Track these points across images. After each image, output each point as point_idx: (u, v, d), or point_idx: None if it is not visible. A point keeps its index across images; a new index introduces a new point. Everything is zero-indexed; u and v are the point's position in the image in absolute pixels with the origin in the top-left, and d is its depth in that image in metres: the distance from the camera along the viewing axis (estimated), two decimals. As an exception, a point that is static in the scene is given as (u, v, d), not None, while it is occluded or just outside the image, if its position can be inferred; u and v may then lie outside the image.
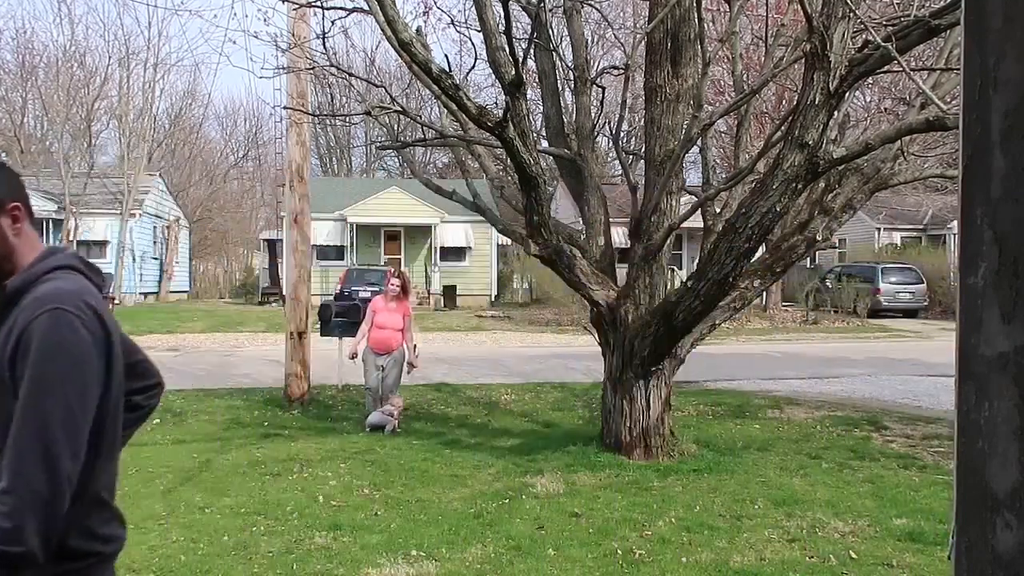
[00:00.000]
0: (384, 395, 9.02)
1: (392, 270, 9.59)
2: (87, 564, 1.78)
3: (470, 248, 33.15)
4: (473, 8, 7.77)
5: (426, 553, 5.10)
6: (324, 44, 7.91)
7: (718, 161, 19.35)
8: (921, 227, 33.54)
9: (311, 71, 10.81)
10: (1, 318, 1.75)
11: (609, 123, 9.56)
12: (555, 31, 11.80)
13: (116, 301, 20.72)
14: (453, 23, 9.44)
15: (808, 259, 25.07)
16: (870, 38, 5.57)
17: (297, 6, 9.14)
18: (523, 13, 9.45)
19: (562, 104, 9.29)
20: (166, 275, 35.81)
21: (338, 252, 32.70)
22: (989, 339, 0.94)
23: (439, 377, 13.38)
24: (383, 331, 9.04)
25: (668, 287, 7.97)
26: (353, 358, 9.23)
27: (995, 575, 0.93)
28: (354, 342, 9.28)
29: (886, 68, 6.38)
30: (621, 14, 25.07)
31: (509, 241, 22.77)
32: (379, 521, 5.79)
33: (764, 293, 14.53)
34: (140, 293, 32.79)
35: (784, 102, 19.36)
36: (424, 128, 8.77)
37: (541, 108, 9.33)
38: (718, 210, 8.23)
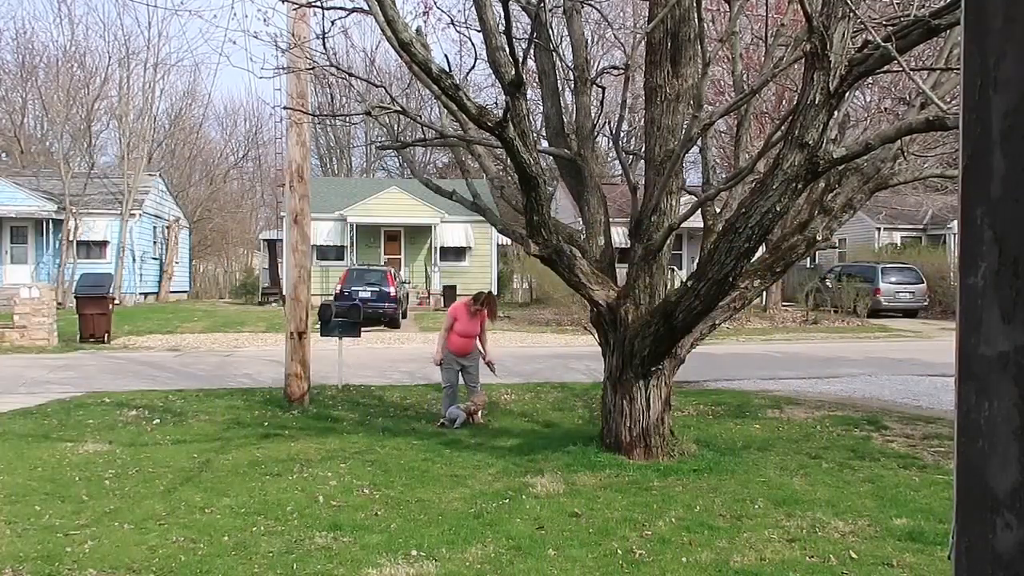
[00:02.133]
0: (469, 386, 9.85)
1: (483, 295, 9.88)
2: None
3: (470, 248, 33.16)
4: (473, 8, 7.77)
5: (426, 553, 5.10)
6: (324, 44, 7.91)
7: (718, 161, 19.36)
8: (921, 227, 33.54)
9: (311, 71, 10.81)
10: None
11: (609, 123, 9.56)
12: (555, 31, 11.79)
13: (116, 301, 20.71)
14: (453, 23, 9.44)
15: (808, 259, 25.09)
16: (870, 38, 5.57)
17: (297, 6, 9.13)
18: (523, 13, 9.45)
19: (562, 104, 9.29)
20: (166, 275, 35.80)
21: (338, 252, 32.71)
22: (989, 339, 0.94)
23: (439, 377, 13.35)
24: (465, 338, 9.70)
25: (668, 287, 7.97)
26: (440, 364, 9.80)
27: (995, 575, 0.92)
28: (437, 349, 9.88)
29: (886, 68, 6.37)
30: (621, 14, 25.09)
31: (509, 241, 22.77)
32: (379, 521, 5.79)
33: (764, 293, 14.53)
34: (140, 293, 32.79)
35: (784, 102, 19.37)
36: (424, 128, 8.77)
37: (541, 108, 9.32)
38: (718, 210, 8.23)
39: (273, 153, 51.07)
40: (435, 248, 32.77)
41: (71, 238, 30.31)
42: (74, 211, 30.18)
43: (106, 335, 18.53)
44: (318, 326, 12.40)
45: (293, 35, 9.83)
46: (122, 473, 7.10)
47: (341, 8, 7.48)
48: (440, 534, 5.47)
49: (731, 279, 6.58)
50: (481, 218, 9.93)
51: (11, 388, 11.92)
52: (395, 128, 15.26)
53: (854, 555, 5.08)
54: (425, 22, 22.20)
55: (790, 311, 27.08)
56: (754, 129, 13.54)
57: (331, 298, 21.29)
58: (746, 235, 6.21)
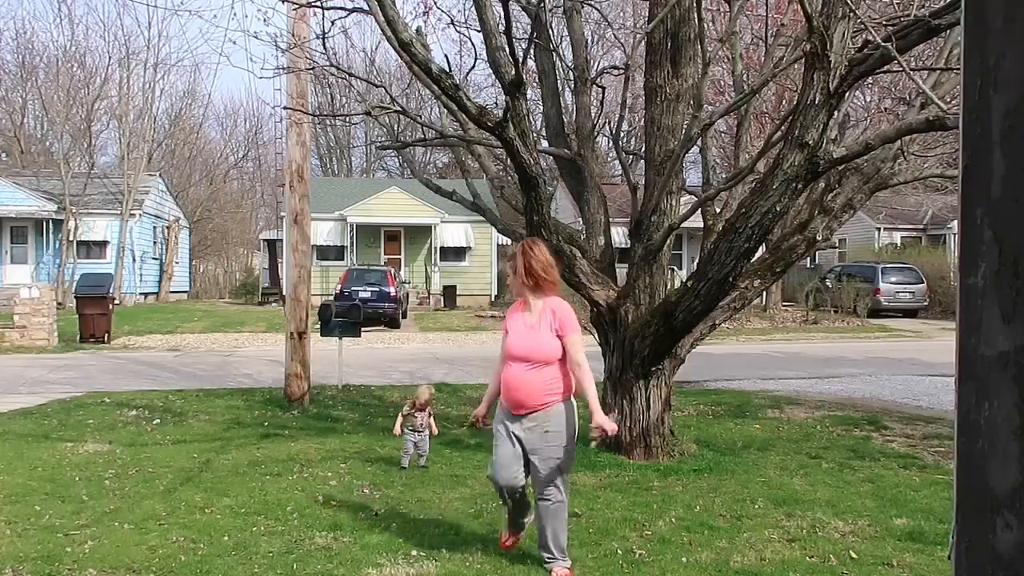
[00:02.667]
0: (538, 492, 5.05)
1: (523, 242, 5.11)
2: None
3: (470, 248, 33.16)
4: (473, 8, 7.77)
5: (426, 553, 5.10)
6: (324, 44, 7.92)
7: (718, 161, 19.36)
8: (921, 227, 33.54)
9: (311, 71, 10.81)
10: None
11: (609, 123, 9.56)
12: (555, 31, 11.80)
13: (116, 301, 20.71)
14: (453, 23, 9.43)
15: (808, 259, 25.09)
16: (870, 38, 5.57)
17: (297, 6, 9.14)
18: (523, 13, 9.45)
19: (562, 104, 9.29)
20: (166, 275, 35.81)
21: (338, 252, 32.72)
22: (989, 339, 0.94)
23: (439, 377, 13.39)
24: (518, 365, 4.83)
25: (668, 287, 7.97)
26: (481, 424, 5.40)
27: (995, 575, 0.92)
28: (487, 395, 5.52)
29: (886, 68, 6.37)
30: (621, 14, 25.08)
31: (509, 241, 22.83)
32: (379, 521, 5.79)
33: (764, 293, 14.53)
34: (140, 293, 32.79)
35: (784, 102, 19.36)
36: (424, 128, 8.77)
37: (541, 108, 9.32)
38: (718, 210, 8.24)
39: (273, 153, 51.12)
40: (435, 248, 32.77)
41: (71, 238, 30.32)
42: (74, 211, 30.18)
43: (106, 335, 18.53)
44: (318, 326, 12.40)
45: (293, 35, 9.83)
46: (122, 473, 7.09)
47: (341, 8, 7.48)
48: (440, 534, 5.47)
49: (731, 279, 6.58)
50: (481, 218, 9.93)
51: (11, 388, 11.92)
52: (395, 128, 15.27)
53: (854, 555, 5.08)
54: (425, 22, 22.22)
55: (790, 311, 27.08)
56: (754, 129, 13.55)
57: (331, 298, 21.29)
58: (746, 235, 6.21)
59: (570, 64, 9.58)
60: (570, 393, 4.74)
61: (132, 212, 31.73)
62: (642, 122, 9.78)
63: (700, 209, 7.71)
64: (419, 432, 7.34)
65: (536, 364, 4.63)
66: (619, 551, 5.15)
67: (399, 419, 7.50)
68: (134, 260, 32.12)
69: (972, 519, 0.96)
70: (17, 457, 7.63)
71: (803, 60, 6.02)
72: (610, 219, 8.84)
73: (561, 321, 4.66)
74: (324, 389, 11.59)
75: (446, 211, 30.73)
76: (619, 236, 16.15)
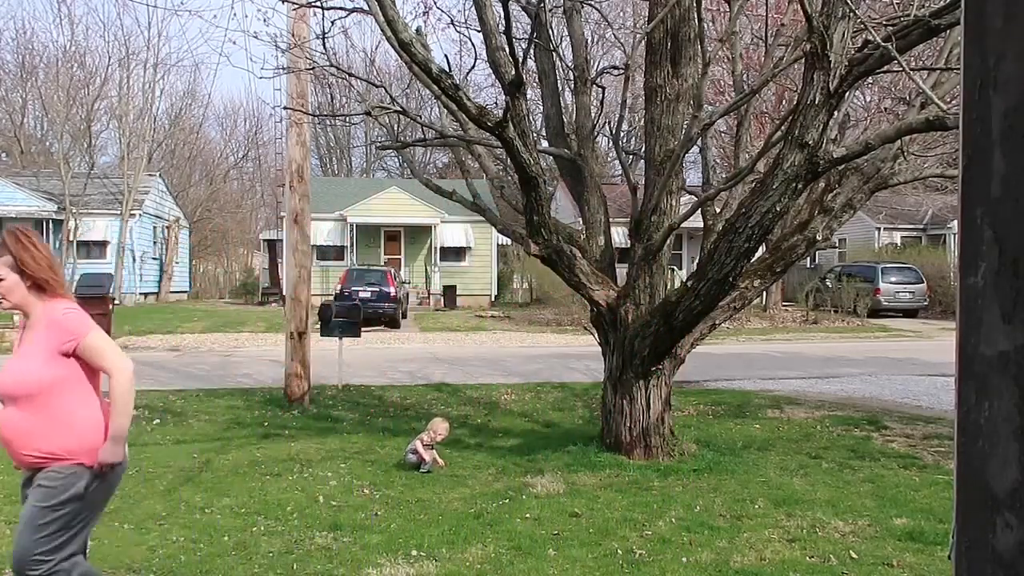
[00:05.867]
0: None
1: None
2: None
3: (470, 248, 33.16)
4: (473, 8, 7.77)
5: (426, 553, 5.10)
6: (324, 44, 7.92)
7: (718, 161, 19.36)
8: (921, 227, 33.55)
9: (311, 71, 10.81)
10: None
11: (609, 123, 9.56)
12: (555, 31, 11.80)
13: (116, 301, 20.70)
14: (453, 23, 9.44)
15: (808, 259, 25.10)
16: (870, 38, 5.57)
17: (297, 6, 9.14)
18: (523, 13, 9.45)
19: (562, 104, 9.29)
20: (166, 275, 35.81)
21: (338, 252, 32.72)
22: (989, 339, 0.94)
23: (439, 377, 13.38)
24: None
25: (668, 287, 7.97)
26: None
27: (995, 575, 0.93)
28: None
29: (886, 68, 6.37)
30: (621, 14, 25.07)
31: (509, 241, 22.80)
32: (379, 521, 5.79)
33: (764, 293, 14.53)
34: (140, 293, 32.79)
35: (784, 102, 19.36)
36: (424, 128, 8.77)
37: (541, 108, 9.32)
38: (718, 210, 8.23)
39: (273, 153, 51.13)
40: (435, 248, 32.77)
41: (71, 238, 30.31)
42: (74, 211, 30.19)
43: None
44: (318, 326, 12.40)
45: (293, 35, 9.83)
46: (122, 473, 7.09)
47: (341, 8, 7.49)
48: (440, 534, 5.47)
49: (731, 279, 6.57)
50: (481, 218, 9.91)
51: (11, 388, 11.91)
52: (395, 128, 15.27)
53: (854, 555, 5.08)
54: (425, 22, 22.24)
55: (790, 311, 27.08)
56: (754, 129, 13.55)
57: (331, 298, 21.29)
58: (746, 235, 6.21)
59: (570, 64, 9.57)
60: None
61: (132, 212, 31.74)
62: (642, 122, 9.77)
63: (700, 209, 7.70)
64: (425, 463, 7.22)
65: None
66: (619, 551, 5.15)
67: (428, 452, 7.26)
68: (134, 260, 32.12)
69: (972, 519, 0.97)
70: (17, 457, 7.63)
71: (803, 60, 6.02)
72: (610, 219, 8.84)
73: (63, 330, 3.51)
74: (324, 389, 11.59)
75: (446, 211, 30.74)
76: (619, 236, 16.14)
